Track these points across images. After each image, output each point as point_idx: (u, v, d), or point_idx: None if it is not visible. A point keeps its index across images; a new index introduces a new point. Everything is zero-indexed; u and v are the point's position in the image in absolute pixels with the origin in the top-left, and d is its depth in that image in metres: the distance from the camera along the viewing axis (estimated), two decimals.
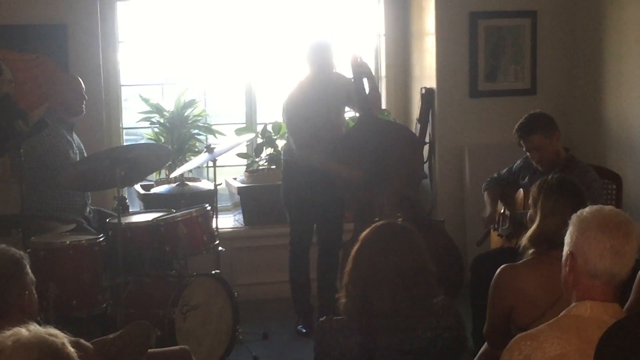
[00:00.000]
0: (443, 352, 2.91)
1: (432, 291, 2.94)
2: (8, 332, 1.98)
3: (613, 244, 2.43)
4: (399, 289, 2.86)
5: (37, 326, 2.04)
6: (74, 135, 5.41)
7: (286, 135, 5.63)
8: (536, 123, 4.77)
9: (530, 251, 3.34)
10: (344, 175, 5.27)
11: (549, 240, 3.26)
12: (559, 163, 4.72)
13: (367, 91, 5.36)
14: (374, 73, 5.66)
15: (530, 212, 3.50)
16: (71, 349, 2.01)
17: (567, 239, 2.54)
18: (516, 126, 4.83)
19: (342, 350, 2.92)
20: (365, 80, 5.36)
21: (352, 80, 5.35)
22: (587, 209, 2.54)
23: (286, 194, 5.56)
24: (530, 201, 3.51)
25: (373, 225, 3.02)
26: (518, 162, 5.06)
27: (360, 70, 5.33)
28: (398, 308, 2.86)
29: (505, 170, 5.14)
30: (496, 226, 5.06)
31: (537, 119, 4.81)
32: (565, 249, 2.54)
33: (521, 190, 4.95)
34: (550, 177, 3.49)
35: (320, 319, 3.06)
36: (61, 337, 2.02)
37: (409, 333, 2.88)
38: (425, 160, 6.39)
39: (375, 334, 2.90)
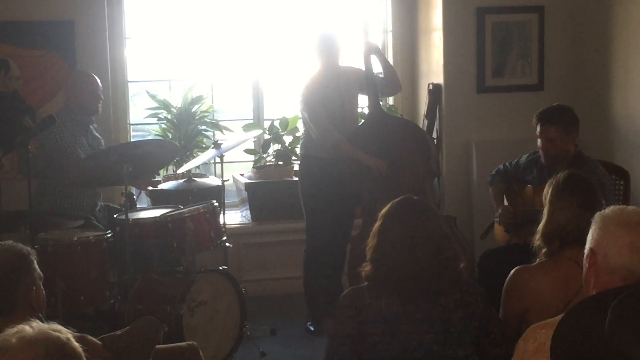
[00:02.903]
0: (464, 332, 3.02)
1: (459, 256, 3.12)
2: (12, 330, 1.99)
3: (632, 240, 2.41)
4: (432, 253, 3.02)
5: (40, 323, 2.04)
6: (92, 131, 5.42)
7: (304, 128, 5.62)
8: (561, 116, 4.76)
9: (544, 250, 3.33)
10: (370, 165, 5.26)
11: (559, 237, 3.25)
12: (565, 159, 4.70)
13: (379, 74, 5.50)
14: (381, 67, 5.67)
15: (544, 210, 3.50)
16: (76, 344, 2.02)
17: (589, 237, 2.53)
18: (541, 110, 4.81)
19: (370, 311, 3.01)
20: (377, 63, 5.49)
21: (364, 69, 5.41)
22: (609, 208, 2.53)
23: (303, 188, 5.57)
24: (543, 199, 3.51)
25: (391, 202, 3.18)
26: (525, 156, 5.04)
27: (369, 49, 5.43)
28: (431, 271, 3.01)
29: (511, 162, 5.12)
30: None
31: (563, 112, 4.79)
32: (587, 247, 2.54)
33: (530, 186, 4.94)
34: (559, 175, 3.49)
35: (346, 290, 3.18)
36: (65, 333, 2.02)
37: (434, 301, 3.00)
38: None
39: (404, 297, 3.00)
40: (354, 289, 3.14)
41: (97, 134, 5.51)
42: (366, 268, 3.10)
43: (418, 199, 3.21)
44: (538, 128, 4.78)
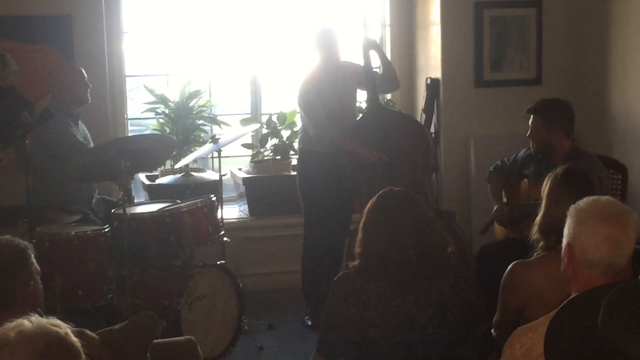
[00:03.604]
0: (460, 316, 3.03)
1: (445, 239, 3.13)
2: (11, 324, 1.99)
3: (609, 233, 2.42)
4: (418, 239, 3.03)
5: (39, 317, 2.04)
6: (81, 125, 5.43)
7: (302, 123, 5.62)
8: (546, 108, 4.80)
9: (540, 244, 3.33)
10: (367, 157, 5.27)
11: (556, 231, 3.25)
12: (556, 153, 4.73)
13: (377, 69, 5.51)
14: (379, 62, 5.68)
15: (542, 203, 3.50)
16: (75, 339, 2.02)
17: (565, 231, 2.54)
18: (538, 100, 4.91)
19: (360, 296, 3.03)
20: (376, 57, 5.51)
21: (363, 64, 5.42)
22: (583, 200, 2.54)
23: (301, 182, 5.57)
24: (542, 194, 3.52)
25: (374, 197, 3.19)
26: (523, 151, 5.06)
27: (368, 44, 5.43)
28: (418, 257, 3.02)
29: (509, 158, 5.13)
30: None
31: (550, 105, 4.83)
32: (564, 241, 2.54)
33: (526, 180, 4.95)
34: (558, 169, 3.49)
35: (337, 276, 3.19)
36: (64, 327, 2.03)
37: (430, 284, 3.02)
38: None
39: (394, 284, 3.02)
40: (345, 273, 3.17)
41: (85, 128, 5.50)
42: (355, 263, 3.12)
43: (399, 189, 3.21)
44: (529, 117, 4.88)
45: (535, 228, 3.37)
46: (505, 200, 5.06)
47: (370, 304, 3.02)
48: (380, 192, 3.21)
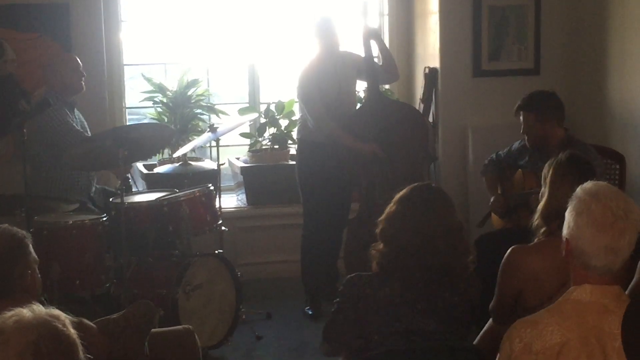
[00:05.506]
0: (465, 323, 3.04)
1: (470, 249, 3.08)
2: (10, 313, 1.99)
3: (607, 243, 2.42)
4: (450, 246, 2.96)
5: (41, 306, 2.04)
6: (77, 113, 5.41)
7: (300, 113, 5.62)
8: (537, 102, 4.80)
9: (542, 230, 3.33)
10: (361, 150, 5.27)
11: (559, 217, 3.24)
12: (552, 143, 4.71)
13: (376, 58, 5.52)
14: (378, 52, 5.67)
15: (542, 190, 3.49)
16: (72, 330, 2.01)
17: (565, 222, 2.53)
18: (524, 96, 4.88)
19: (368, 302, 2.98)
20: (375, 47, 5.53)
21: (364, 53, 5.43)
22: (585, 190, 2.52)
23: (300, 172, 5.57)
24: (542, 180, 3.51)
25: (409, 187, 3.07)
26: (517, 142, 5.06)
27: (369, 33, 5.43)
28: (446, 263, 2.96)
29: (503, 150, 5.14)
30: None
31: (539, 98, 4.82)
32: (564, 231, 2.54)
33: (520, 170, 4.96)
34: (560, 155, 3.49)
35: (350, 275, 3.11)
36: (62, 319, 2.02)
37: (440, 293, 2.98)
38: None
39: (410, 286, 2.96)
40: (357, 276, 3.07)
41: (81, 116, 5.49)
42: (379, 248, 3.02)
43: (438, 187, 3.15)
44: (520, 114, 4.85)
45: (537, 214, 3.37)
46: (500, 191, 5.06)
47: (377, 312, 2.96)
48: (421, 185, 3.08)
